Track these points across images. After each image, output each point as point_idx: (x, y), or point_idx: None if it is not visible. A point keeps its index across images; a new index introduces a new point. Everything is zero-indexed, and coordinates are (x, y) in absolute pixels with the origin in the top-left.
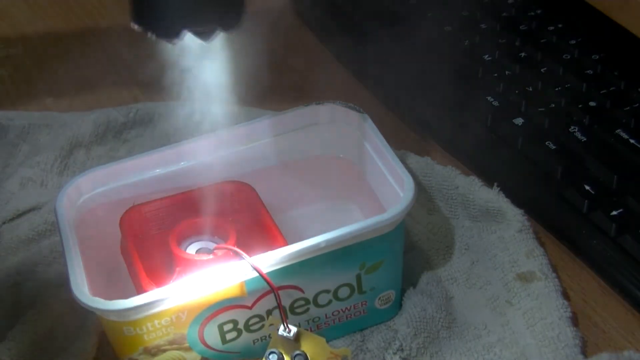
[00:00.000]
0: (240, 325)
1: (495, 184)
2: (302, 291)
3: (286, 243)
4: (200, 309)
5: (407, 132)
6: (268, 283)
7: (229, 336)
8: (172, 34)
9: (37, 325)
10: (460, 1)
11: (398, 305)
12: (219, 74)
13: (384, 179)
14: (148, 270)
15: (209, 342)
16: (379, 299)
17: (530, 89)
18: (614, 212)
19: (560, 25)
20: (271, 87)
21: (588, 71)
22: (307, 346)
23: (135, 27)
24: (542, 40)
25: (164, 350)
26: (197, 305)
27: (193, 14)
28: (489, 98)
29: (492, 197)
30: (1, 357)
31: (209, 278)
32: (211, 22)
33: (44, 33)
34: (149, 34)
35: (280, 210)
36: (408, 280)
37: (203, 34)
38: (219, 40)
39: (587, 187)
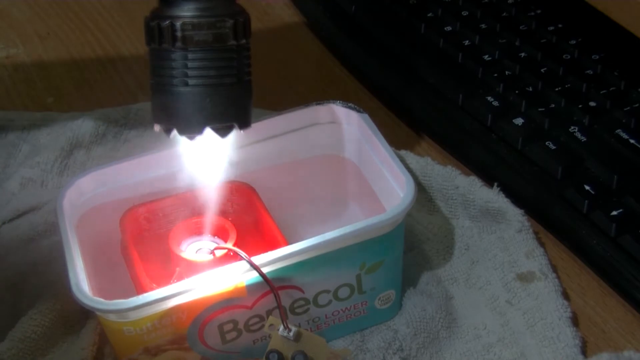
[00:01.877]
0: (240, 326)
1: (495, 184)
2: (302, 291)
3: (286, 243)
4: (200, 309)
5: (407, 132)
6: (268, 283)
7: (229, 336)
8: (194, 131)
9: (37, 325)
10: (460, 1)
11: (398, 305)
12: None
13: (384, 179)
14: (148, 270)
15: (209, 342)
16: (379, 299)
17: (530, 89)
18: (614, 212)
19: (560, 25)
20: (271, 87)
21: (588, 71)
22: (307, 346)
23: (158, 127)
24: (542, 41)
25: (164, 350)
26: (197, 305)
27: (214, 114)
28: (489, 98)
29: (492, 197)
30: (2, 357)
31: (209, 278)
32: (229, 121)
33: (44, 33)
34: (171, 133)
35: (280, 210)
36: (408, 281)
37: (221, 130)
38: None
39: (587, 187)
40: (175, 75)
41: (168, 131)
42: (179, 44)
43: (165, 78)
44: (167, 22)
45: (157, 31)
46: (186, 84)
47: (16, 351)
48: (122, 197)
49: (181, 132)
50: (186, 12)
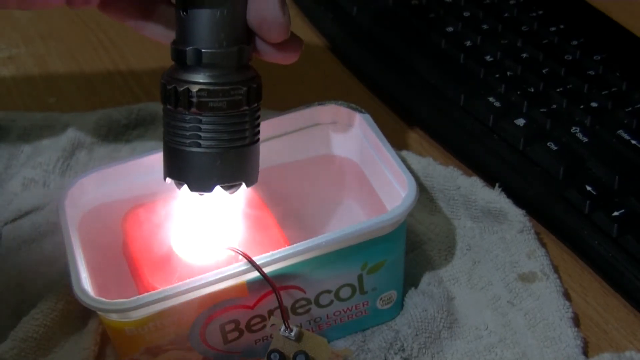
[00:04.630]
0: (242, 326)
1: (497, 184)
2: (304, 291)
3: (288, 243)
4: (201, 309)
5: (408, 133)
6: (269, 283)
7: (230, 336)
8: (205, 190)
9: (39, 325)
10: (462, 2)
11: (399, 305)
12: None
13: (385, 179)
14: (150, 270)
15: (211, 342)
16: (381, 299)
17: (532, 90)
18: (616, 213)
19: (562, 26)
20: (273, 87)
21: (590, 72)
22: (308, 346)
23: (169, 180)
24: (543, 41)
25: (166, 350)
26: (199, 305)
27: (224, 174)
28: (490, 99)
29: (494, 198)
30: (3, 357)
31: (211, 278)
32: (238, 180)
33: (46, 33)
34: (181, 187)
35: (281, 210)
36: (409, 281)
37: (230, 188)
38: None
39: (588, 188)
40: (188, 136)
41: (179, 185)
42: (194, 109)
43: (178, 137)
44: (184, 87)
45: (174, 95)
46: (199, 145)
47: (18, 351)
48: (124, 197)
49: (192, 190)
50: (202, 79)
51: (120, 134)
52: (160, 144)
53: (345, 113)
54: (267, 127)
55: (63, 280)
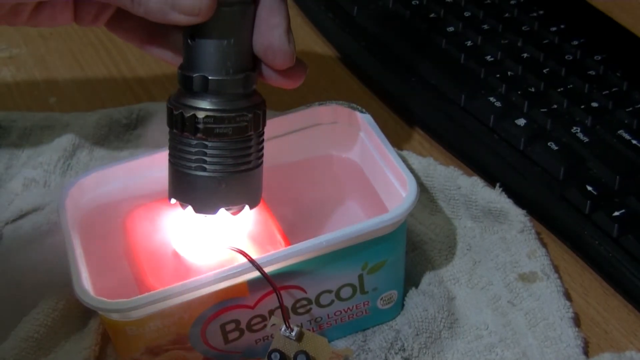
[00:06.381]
0: (243, 325)
1: (498, 184)
2: (305, 291)
3: (288, 243)
4: (202, 309)
5: (409, 133)
6: (270, 283)
7: (231, 336)
8: (209, 212)
9: (39, 325)
10: (462, 2)
11: (400, 305)
12: None
13: (386, 179)
14: (150, 270)
15: (211, 342)
16: (381, 299)
17: (533, 90)
18: (616, 213)
19: (562, 26)
20: (273, 88)
21: (590, 72)
22: (309, 346)
23: (174, 200)
24: (544, 41)
25: (166, 350)
26: (200, 305)
27: (228, 197)
28: (491, 99)
29: (495, 198)
30: (4, 357)
31: (211, 278)
32: (242, 202)
33: (47, 33)
34: (186, 207)
35: (282, 210)
36: (410, 281)
37: (234, 210)
38: None
39: (589, 188)
40: (194, 160)
41: (184, 206)
42: (200, 134)
43: (184, 161)
44: (190, 113)
45: (180, 120)
46: (204, 170)
47: (19, 351)
48: (124, 197)
49: (197, 211)
50: (208, 105)
51: (120, 134)
52: (160, 144)
53: (345, 113)
54: (268, 127)
55: (64, 280)
